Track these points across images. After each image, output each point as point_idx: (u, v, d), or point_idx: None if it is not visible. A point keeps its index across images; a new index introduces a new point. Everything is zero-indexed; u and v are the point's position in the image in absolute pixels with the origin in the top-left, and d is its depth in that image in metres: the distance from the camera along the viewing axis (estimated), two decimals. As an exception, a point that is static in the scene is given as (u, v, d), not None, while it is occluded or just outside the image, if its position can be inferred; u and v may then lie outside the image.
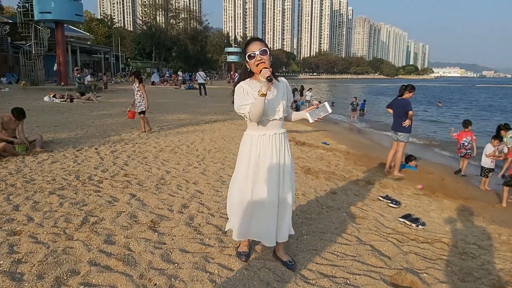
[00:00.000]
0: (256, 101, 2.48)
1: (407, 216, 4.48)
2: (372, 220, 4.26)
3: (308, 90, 22.90)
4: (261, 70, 2.44)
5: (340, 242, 3.49)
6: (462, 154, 8.38)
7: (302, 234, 3.55)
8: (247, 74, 2.67)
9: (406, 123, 7.10)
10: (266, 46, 2.60)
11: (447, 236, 4.18)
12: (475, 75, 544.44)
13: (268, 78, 2.39)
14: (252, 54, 2.54)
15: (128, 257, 2.89)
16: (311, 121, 2.69)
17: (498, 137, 7.32)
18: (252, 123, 2.65)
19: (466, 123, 8.52)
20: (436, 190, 6.50)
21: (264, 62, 2.52)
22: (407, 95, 7.23)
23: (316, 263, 3.01)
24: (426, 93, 54.36)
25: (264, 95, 2.43)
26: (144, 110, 8.96)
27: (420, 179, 7.12)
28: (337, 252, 3.27)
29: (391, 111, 7.54)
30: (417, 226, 4.31)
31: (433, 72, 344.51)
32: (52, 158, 6.10)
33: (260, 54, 2.53)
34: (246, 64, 2.64)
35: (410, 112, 7.07)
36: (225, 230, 3.25)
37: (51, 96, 16.34)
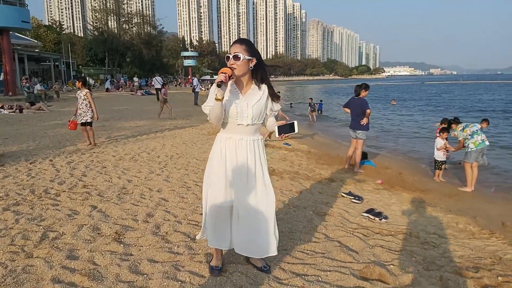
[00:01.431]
0: (213, 105, 2.46)
1: (370, 211, 4.62)
2: (337, 216, 4.35)
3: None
4: (220, 74, 2.40)
5: (309, 240, 3.53)
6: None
7: (272, 235, 3.56)
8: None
9: (364, 121, 7.32)
10: (247, 50, 2.48)
11: (409, 228, 4.35)
12: (423, 73, 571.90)
13: (218, 83, 2.34)
14: (227, 58, 2.49)
15: (94, 272, 2.77)
16: (277, 135, 2.70)
17: (445, 129, 7.71)
18: (223, 126, 2.62)
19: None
20: (395, 184, 6.76)
21: (234, 68, 2.45)
22: (363, 93, 7.46)
23: (288, 263, 3.03)
24: (380, 92, 56.42)
25: (219, 99, 2.40)
26: (90, 121, 8.15)
27: (379, 175, 7.38)
28: (307, 250, 3.31)
29: (348, 110, 7.74)
30: (380, 219, 4.45)
31: (384, 71, 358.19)
32: (4, 172, 5.75)
33: (232, 57, 2.46)
34: None
35: (368, 111, 7.30)
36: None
37: (-1, 107, 15.43)
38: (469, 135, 6.97)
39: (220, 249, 2.85)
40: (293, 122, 2.64)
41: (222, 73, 2.38)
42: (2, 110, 15.21)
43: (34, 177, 5.48)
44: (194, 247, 3.21)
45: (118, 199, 4.51)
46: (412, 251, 3.56)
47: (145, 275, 2.74)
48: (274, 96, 2.67)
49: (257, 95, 2.60)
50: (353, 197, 5.26)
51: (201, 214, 3.90)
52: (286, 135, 2.63)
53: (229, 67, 2.46)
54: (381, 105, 31.05)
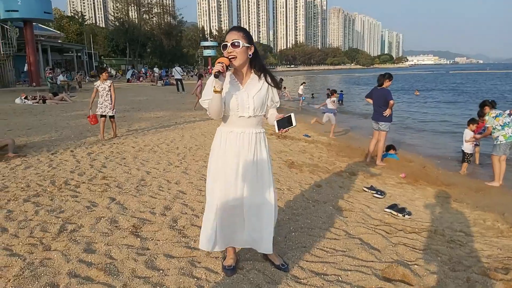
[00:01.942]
0: (212, 98, 2.33)
1: (393, 206, 4.47)
2: (359, 212, 4.22)
3: (302, 84, 22.62)
4: (216, 64, 2.27)
5: (328, 237, 3.43)
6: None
7: (290, 231, 3.47)
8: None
9: (387, 112, 7.11)
10: (245, 37, 2.36)
11: (434, 225, 4.18)
12: (448, 62, 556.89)
13: (215, 74, 2.21)
14: (225, 44, 2.36)
15: (110, 266, 2.75)
16: (277, 130, 2.52)
17: (474, 120, 7.41)
18: (223, 119, 2.50)
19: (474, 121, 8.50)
20: (419, 178, 6.54)
21: (235, 56, 2.33)
22: (386, 83, 7.23)
23: (306, 261, 2.94)
24: (402, 82, 55.23)
25: (217, 91, 2.27)
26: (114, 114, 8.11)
27: (402, 168, 7.16)
28: (327, 248, 3.20)
29: (370, 101, 7.53)
30: (404, 216, 4.29)
31: (407, 60, 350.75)
32: (26, 163, 5.84)
33: (230, 45, 2.33)
34: None
35: (391, 102, 7.08)
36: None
37: (23, 97, 15.77)
38: (500, 125, 6.64)
39: (233, 248, 2.78)
40: (290, 115, 2.40)
41: (219, 62, 2.25)
42: (26, 100, 15.54)
43: (55, 168, 5.54)
44: (211, 243, 3.16)
45: (137, 191, 4.50)
46: (437, 250, 3.41)
47: (161, 271, 2.70)
48: (275, 84, 2.55)
49: (257, 85, 2.49)
50: (375, 192, 5.11)
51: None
52: (286, 129, 2.41)
53: (226, 57, 2.34)
54: (404, 96, 30.34)
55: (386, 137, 7.50)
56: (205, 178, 5.09)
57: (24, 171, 5.36)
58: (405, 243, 3.46)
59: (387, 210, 4.38)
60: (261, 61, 2.52)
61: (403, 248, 3.33)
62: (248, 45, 2.38)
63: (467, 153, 7.38)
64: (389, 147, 8.18)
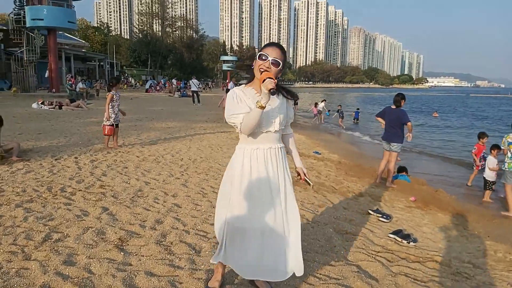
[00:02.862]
0: (252, 112, 2.18)
1: (398, 232, 4.22)
2: (360, 236, 3.99)
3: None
4: (264, 80, 2.12)
5: (324, 262, 3.21)
6: (482, 167, 7.99)
7: (283, 254, 3.27)
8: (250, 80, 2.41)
9: (409, 137, 6.94)
10: (283, 59, 2.27)
11: (440, 254, 3.92)
12: (469, 85, 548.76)
13: (272, 91, 2.09)
14: (263, 57, 2.24)
15: (86, 281, 2.60)
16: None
17: (497, 147, 7.11)
18: (244, 135, 2.35)
19: (484, 135, 8.29)
20: (430, 203, 6.24)
21: (270, 73, 2.20)
22: (402, 103, 7.04)
23: (296, 288, 2.73)
24: (421, 103, 54.47)
25: (263, 107, 2.13)
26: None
27: (413, 191, 6.87)
28: (320, 274, 2.99)
29: (382, 120, 7.31)
30: (408, 242, 4.04)
31: (427, 81, 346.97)
32: (28, 167, 5.80)
33: (271, 61, 2.22)
34: (253, 63, 2.33)
35: (409, 124, 6.88)
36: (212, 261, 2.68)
37: (40, 103, 16.03)
38: (511, 153, 6.33)
39: (223, 269, 2.60)
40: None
41: (269, 78, 2.11)
42: (42, 105, 15.79)
43: (55, 174, 5.48)
44: (196, 261, 2.98)
45: (131, 202, 4.37)
46: (440, 283, 3.15)
47: (138, 290, 2.53)
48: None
49: (276, 99, 2.38)
50: (380, 215, 4.86)
51: (211, 224, 3.70)
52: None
53: (267, 71, 2.20)
54: (422, 117, 29.81)
55: (397, 158, 7.25)
56: (203, 192, 4.97)
57: (24, 175, 5.31)
58: (406, 273, 3.22)
59: (391, 235, 4.14)
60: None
61: (403, 279, 3.09)
62: (282, 68, 2.30)
63: (489, 181, 7.06)
64: (401, 169, 7.90)
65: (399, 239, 4.06)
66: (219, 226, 2.42)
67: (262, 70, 2.22)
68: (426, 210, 5.78)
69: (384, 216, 4.83)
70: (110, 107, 7.70)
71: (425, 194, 6.80)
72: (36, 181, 5.04)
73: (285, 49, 2.37)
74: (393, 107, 7.08)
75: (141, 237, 3.40)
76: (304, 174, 2.51)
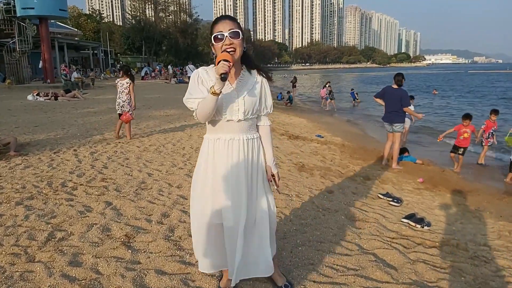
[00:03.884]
0: (205, 99, 1.95)
1: (411, 216, 4.11)
2: (373, 222, 3.88)
3: (328, 84, 21.18)
4: (219, 62, 1.86)
5: (339, 252, 3.10)
6: (490, 143, 8.11)
7: (297, 245, 3.15)
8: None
9: (419, 116, 7.00)
10: (239, 26, 2.01)
11: (455, 237, 3.82)
12: (466, 61, 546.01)
13: (222, 76, 1.83)
14: (219, 36, 1.95)
15: (94, 283, 2.48)
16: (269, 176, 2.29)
17: None
18: (208, 124, 2.13)
19: (495, 112, 8.19)
20: (438, 183, 6.13)
21: (234, 49, 1.96)
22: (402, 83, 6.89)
23: (314, 281, 2.62)
24: (420, 81, 54.13)
25: (216, 94, 1.88)
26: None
27: (420, 172, 6.76)
28: (337, 265, 2.88)
29: (381, 101, 7.14)
30: (422, 227, 3.94)
31: (425, 59, 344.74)
32: (26, 162, 5.64)
33: (229, 36, 1.94)
34: (212, 49, 2.06)
35: (407, 109, 6.76)
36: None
37: (35, 94, 15.75)
38: None
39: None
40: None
41: (224, 61, 1.85)
42: (38, 97, 15.52)
43: (54, 168, 5.33)
44: (208, 257, 2.86)
45: (135, 195, 4.24)
46: (460, 269, 3.05)
47: (149, 291, 2.42)
48: (267, 76, 2.22)
49: (249, 82, 2.12)
50: (391, 199, 4.75)
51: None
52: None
53: (228, 52, 1.94)
54: (422, 95, 29.60)
55: (401, 139, 7.12)
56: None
57: (23, 171, 5.16)
58: (425, 260, 3.11)
59: (405, 220, 4.03)
60: (251, 54, 2.17)
61: (422, 266, 2.98)
62: (243, 36, 2.02)
63: None
64: (402, 150, 7.78)
65: (413, 224, 3.96)
66: (191, 223, 2.27)
67: (228, 51, 1.95)
68: (435, 192, 5.68)
69: (395, 200, 4.72)
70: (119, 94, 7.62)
71: (432, 175, 6.69)
72: (36, 177, 4.90)
73: (233, 17, 2.10)
74: (395, 86, 6.91)
75: (148, 233, 3.27)
76: (273, 176, 2.27)
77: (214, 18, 2.15)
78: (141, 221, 3.51)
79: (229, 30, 1.95)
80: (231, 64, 1.88)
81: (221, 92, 1.91)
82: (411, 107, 10.96)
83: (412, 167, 7.06)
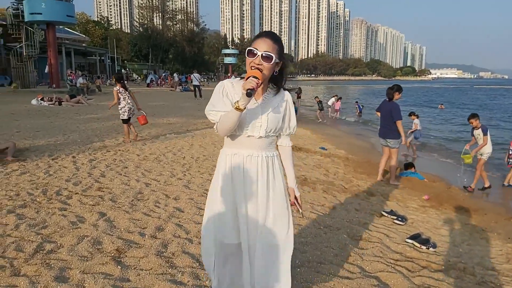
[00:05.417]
0: (228, 113, 1.87)
1: (416, 237, 3.95)
2: (377, 242, 3.71)
3: (336, 98, 20.99)
4: (248, 78, 1.80)
5: (340, 275, 2.94)
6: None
7: (296, 266, 2.99)
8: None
9: (403, 140, 6.59)
10: (278, 51, 1.91)
11: (462, 261, 3.65)
12: (472, 76, 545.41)
13: (248, 91, 1.75)
14: (253, 51, 1.87)
15: (79, 302, 2.34)
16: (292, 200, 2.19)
17: None
18: (227, 138, 2.04)
19: None
20: (444, 201, 5.96)
21: (261, 70, 1.85)
22: (396, 96, 6.71)
23: (312, 307, 2.46)
24: (425, 96, 53.97)
25: (240, 110, 1.81)
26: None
27: (425, 188, 6.59)
28: (337, 289, 2.72)
29: (380, 114, 7.01)
30: (428, 248, 3.77)
31: (430, 73, 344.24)
32: (23, 168, 5.54)
33: (261, 58, 1.86)
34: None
35: (398, 123, 6.50)
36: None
37: (39, 99, 15.76)
38: None
39: None
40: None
41: (253, 77, 1.79)
42: (42, 102, 15.52)
43: (51, 175, 5.22)
44: (200, 276, 2.72)
45: (130, 207, 4.11)
46: (468, 296, 2.88)
47: (136, 312, 2.27)
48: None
49: (274, 101, 2.02)
50: (395, 217, 4.58)
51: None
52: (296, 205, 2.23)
53: (258, 69, 1.85)
54: (428, 109, 29.43)
55: (398, 154, 6.91)
56: (206, 194, 4.68)
57: (18, 177, 5.05)
58: (430, 285, 2.95)
59: (409, 241, 3.86)
60: (284, 77, 2.05)
61: (428, 292, 2.82)
62: (278, 60, 1.93)
63: None
64: (408, 165, 7.62)
65: (418, 245, 3.79)
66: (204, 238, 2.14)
67: (253, 67, 1.87)
68: (441, 210, 5.50)
69: (399, 218, 4.55)
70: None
71: (438, 192, 6.52)
72: (31, 184, 4.78)
73: (279, 37, 2.00)
74: (388, 100, 6.78)
75: (141, 248, 3.12)
76: (296, 199, 2.18)
77: (221, 28, 2.03)
78: (134, 234, 3.38)
79: (264, 51, 1.87)
80: (260, 82, 1.80)
81: (245, 108, 1.83)
82: (417, 122, 10.82)
83: (417, 183, 6.89)
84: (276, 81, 2.04)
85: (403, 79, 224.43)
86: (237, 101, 1.81)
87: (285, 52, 2.02)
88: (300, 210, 2.21)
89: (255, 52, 1.87)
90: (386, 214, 4.68)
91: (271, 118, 1.97)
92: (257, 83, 1.78)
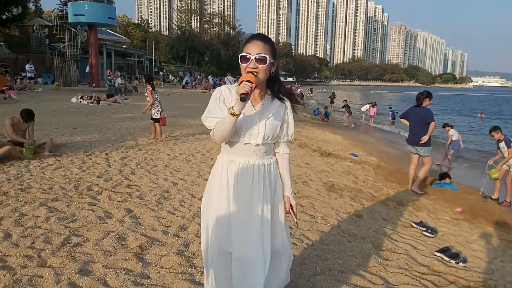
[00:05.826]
0: (224, 119, 1.83)
1: (445, 250, 3.78)
2: (402, 254, 3.59)
3: (372, 105, 20.64)
4: (241, 82, 1.77)
5: (361, 285, 2.86)
6: None
7: (316, 273, 2.94)
8: None
9: (424, 139, 6.33)
10: (271, 51, 1.89)
11: (493, 278, 3.46)
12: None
13: (242, 96, 1.72)
14: (246, 56, 1.85)
15: (99, 295, 2.40)
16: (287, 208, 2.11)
17: None
18: (225, 145, 1.99)
19: None
20: (478, 215, 5.69)
21: (256, 74, 1.83)
22: (426, 102, 6.49)
23: (329, 316, 2.41)
24: (466, 103, 52.02)
25: (235, 115, 1.77)
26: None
27: (459, 200, 6.32)
28: (357, 299, 2.65)
29: (406, 122, 6.79)
30: (457, 263, 3.61)
31: (471, 81, 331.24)
32: (58, 163, 5.77)
33: (255, 61, 1.83)
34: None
35: (432, 124, 6.30)
36: None
37: (79, 97, 16.39)
38: None
39: None
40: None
41: (246, 81, 1.75)
42: (81, 100, 16.13)
43: (84, 171, 5.40)
44: (219, 278, 2.72)
45: (156, 205, 4.18)
46: (498, 316, 2.73)
47: (153, 309, 2.30)
48: (294, 100, 2.08)
49: (272, 107, 1.98)
50: (425, 229, 4.42)
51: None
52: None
53: (252, 73, 1.82)
54: (467, 118, 28.31)
55: (431, 162, 6.67)
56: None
57: (53, 171, 5.27)
58: (457, 302, 2.81)
59: (438, 254, 3.71)
60: (280, 80, 2.03)
61: (454, 309, 2.69)
62: (273, 60, 1.91)
63: None
64: (443, 175, 7.34)
65: (447, 259, 3.63)
66: (203, 246, 2.09)
67: (248, 71, 1.84)
68: (475, 223, 5.26)
69: (429, 230, 4.38)
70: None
71: (473, 205, 6.24)
72: (64, 178, 4.97)
73: (269, 37, 1.96)
74: (417, 106, 6.56)
75: (163, 246, 3.17)
76: (291, 208, 2.10)
77: (257, 32, 2.01)
78: (157, 232, 3.43)
79: (257, 53, 1.84)
80: (254, 85, 1.77)
81: (240, 113, 1.80)
82: (452, 133, 10.40)
83: (450, 195, 6.62)
84: (272, 85, 2.00)
85: (442, 86, 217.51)
86: (232, 106, 1.78)
87: (320, 56, 1.97)
88: (295, 219, 2.13)
89: (248, 56, 1.85)
90: (415, 225, 4.52)
91: (269, 125, 1.94)
92: (250, 87, 1.74)
